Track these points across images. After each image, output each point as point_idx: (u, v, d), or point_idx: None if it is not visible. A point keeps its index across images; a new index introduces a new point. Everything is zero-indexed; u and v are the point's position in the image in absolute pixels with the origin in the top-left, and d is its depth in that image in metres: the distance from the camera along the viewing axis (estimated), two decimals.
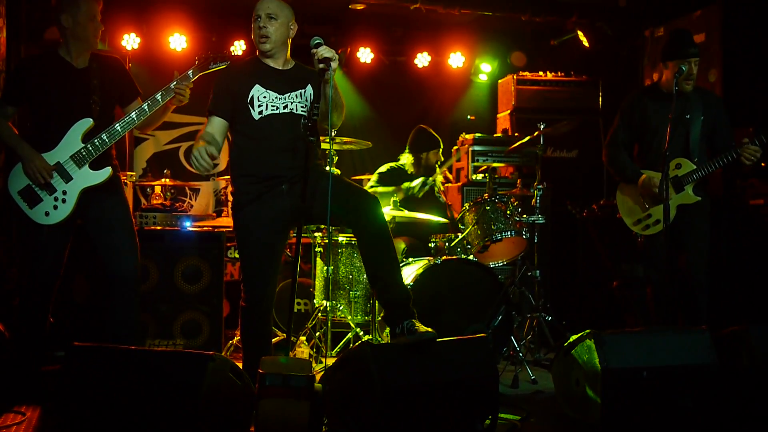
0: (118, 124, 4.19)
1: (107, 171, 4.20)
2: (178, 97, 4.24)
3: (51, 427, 3.49)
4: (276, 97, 3.93)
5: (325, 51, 3.68)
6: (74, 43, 4.25)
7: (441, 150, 6.35)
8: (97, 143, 4.15)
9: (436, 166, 6.32)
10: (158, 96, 4.23)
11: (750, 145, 4.64)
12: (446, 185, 6.84)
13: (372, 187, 6.14)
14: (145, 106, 4.22)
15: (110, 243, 4.24)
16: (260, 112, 3.90)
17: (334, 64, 3.68)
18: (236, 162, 4.02)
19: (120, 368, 3.32)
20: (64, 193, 4.12)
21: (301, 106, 3.96)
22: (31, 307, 4.25)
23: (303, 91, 4.00)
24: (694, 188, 4.81)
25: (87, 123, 4.17)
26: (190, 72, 4.29)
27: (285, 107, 3.93)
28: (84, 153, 4.14)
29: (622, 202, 5.04)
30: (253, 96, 3.90)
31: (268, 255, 3.96)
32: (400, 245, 5.82)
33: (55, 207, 4.11)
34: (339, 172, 5.43)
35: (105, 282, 4.29)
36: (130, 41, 7.10)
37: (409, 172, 6.24)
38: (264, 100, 3.90)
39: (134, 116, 4.21)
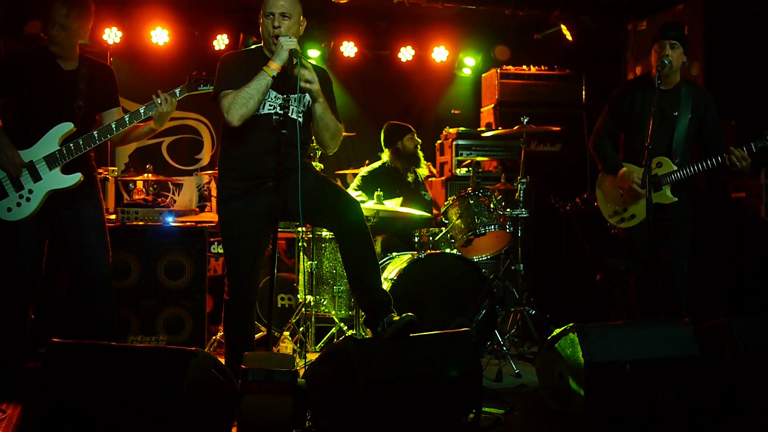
0: (95, 132, 4.15)
1: (76, 177, 4.14)
2: (156, 106, 4.18)
3: (32, 424, 3.46)
4: (275, 96, 3.87)
5: (291, 43, 3.71)
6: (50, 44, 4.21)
7: (414, 134, 6.31)
8: (72, 147, 4.11)
9: (418, 151, 6.30)
10: (141, 110, 4.20)
11: (740, 150, 4.53)
12: (430, 179, 6.83)
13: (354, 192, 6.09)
14: (126, 117, 4.19)
15: (82, 242, 4.22)
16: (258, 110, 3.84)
17: (295, 57, 3.70)
18: (226, 157, 3.98)
19: (101, 364, 3.29)
20: (30, 192, 4.08)
21: (298, 111, 3.90)
22: (10, 305, 4.21)
23: (303, 96, 3.92)
24: (672, 189, 4.79)
25: (67, 127, 4.13)
26: (177, 90, 4.25)
27: (281, 107, 3.83)
28: (57, 155, 4.10)
29: (602, 192, 5.04)
30: None
31: (253, 249, 3.94)
32: (377, 244, 5.80)
33: (19, 204, 4.07)
34: (322, 166, 5.42)
35: (79, 282, 4.26)
36: (112, 35, 7.04)
37: (392, 166, 6.22)
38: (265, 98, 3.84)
39: (113, 126, 4.17)
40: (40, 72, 4.17)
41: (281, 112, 3.70)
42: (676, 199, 4.77)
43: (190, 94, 4.31)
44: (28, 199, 4.08)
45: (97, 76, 4.31)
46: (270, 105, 3.86)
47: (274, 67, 3.74)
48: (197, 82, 4.27)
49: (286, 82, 3.76)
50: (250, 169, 3.88)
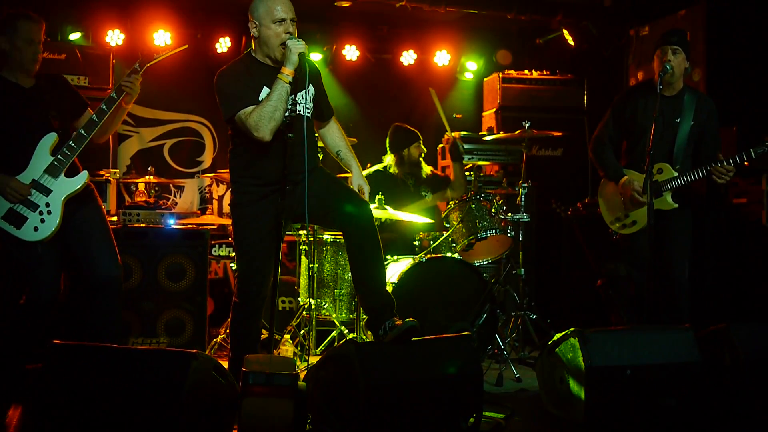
0: (82, 129, 4.15)
1: (84, 175, 4.16)
2: (126, 89, 4.19)
3: (32, 426, 3.46)
4: None
5: (300, 47, 3.71)
6: (13, 66, 4.17)
7: (421, 142, 6.31)
8: (66, 151, 4.11)
9: (420, 159, 6.30)
10: (113, 94, 4.20)
11: (724, 163, 4.57)
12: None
13: None
14: (103, 105, 4.17)
15: (90, 249, 4.22)
16: None
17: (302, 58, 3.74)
18: (240, 163, 3.97)
19: (101, 367, 3.29)
20: (47, 205, 4.08)
21: (305, 106, 3.93)
22: (29, 323, 4.20)
23: (306, 91, 3.95)
24: (673, 195, 4.79)
25: (52, 138, 4.13)
26: (136, 65, 4.27)
27: (290, 107, 3.85)
28: (56, 164, 4.10)
29: (603, 198, 5.04)
30: (261, 99, 3.81)
31: (267, 253, 3.94)
32: None
33: (42, 221, 4.06)
34: None
35: (87, 288, 4.25)
36: (114, 37, 7.05)
37: (393, 172, 6.22)
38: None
39: (95, 117, 4.17)
40: (5, 97, 4.15)
41: (288, 113, 3.70)
42: (677, 205, 4.78)
43: (155, 63, 4.36)
44: (49, 213, 4.08)
45: (55, 85, 4.33)
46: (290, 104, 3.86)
47: (288, 72, 3.71)
48: (150, 55, 4.35)
49: (298, 82, 3.77)
50: (267, 174, 3.86)
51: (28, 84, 4.23)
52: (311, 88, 3.99)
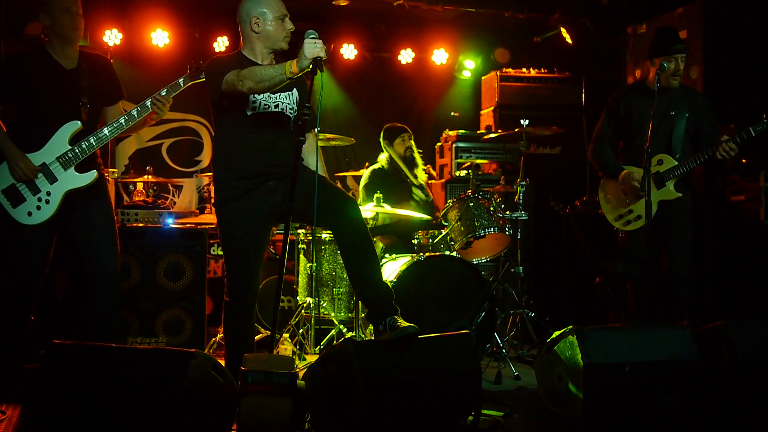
0: (106, 129, 4.18)
1: (92, 174, 4.18)
2: (155, 109, 4.22)
3: (31, 426, 3.46)
4: (268, 96, 3.88)
5: (317, 50, 3.49)
6: (57, 41, 4.20)
7: (407, 136, 6.28)
8: (84, 146, 4.14)
9: (412, 154, 6.28)
10: (147, 102, 4.23)
11: (729, 142, 4.64)
12: (430, 182, 6.83)
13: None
14: (134, 111, 4.22)
15: (91, 242, 4.24)
16: (253, 109, 3.84)
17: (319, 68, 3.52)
18: (223, 158, 3.97)
19: (100, 366, 3.30)
20: (48, 194, 4.10)
21: (290, 107, 3.95)
22: (13, 305, 4.22)
23: (290, 93, 3.98)
24: (676, 184, 4.82)
25: (75, 125, 4.15)
26: (180, 80, 4.27)
27: (276, 106, 3.90)
28: (71, 155, 4.12)
29: (604, 198, 5.06)
30: None
31: (254, 251, 3.95)
32: (378, 245, 5.80)
33: (38, 207, 4.09)
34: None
35: (85, 281, 4.27)
36: (112, 37, 7.05)
37: (388, 170, 6.22)
38: (258, 98, 3.83)
39: (123, 122, 4.21)
40: (43, 73, 4.18)
41: (305, 117, 3.53)
42: (680, 194, 4.81)
43: (194, 83, 4.32)
44: (47, 202, 4.10)
45: (98, 70, 4.33)
46: (265, 104, 3.86)
47: (295, 71, 3.51)
48: (198, 70, 4.30)
49: (293, 80, 3.68)
50: (252, 168, 3.87)
51: (70, 65, 4.24)
52: (294, 92, 3.99)
